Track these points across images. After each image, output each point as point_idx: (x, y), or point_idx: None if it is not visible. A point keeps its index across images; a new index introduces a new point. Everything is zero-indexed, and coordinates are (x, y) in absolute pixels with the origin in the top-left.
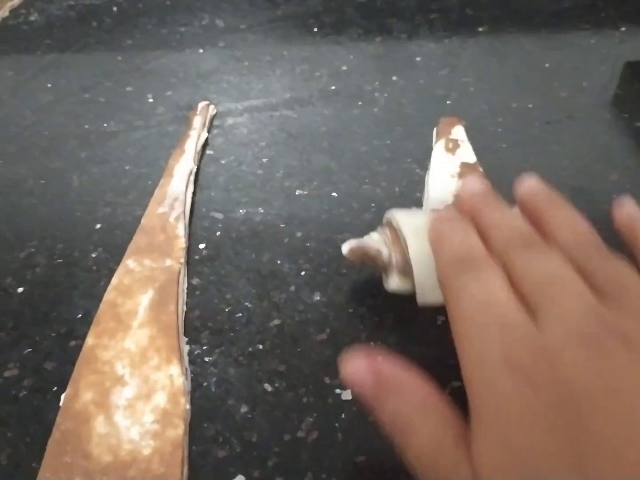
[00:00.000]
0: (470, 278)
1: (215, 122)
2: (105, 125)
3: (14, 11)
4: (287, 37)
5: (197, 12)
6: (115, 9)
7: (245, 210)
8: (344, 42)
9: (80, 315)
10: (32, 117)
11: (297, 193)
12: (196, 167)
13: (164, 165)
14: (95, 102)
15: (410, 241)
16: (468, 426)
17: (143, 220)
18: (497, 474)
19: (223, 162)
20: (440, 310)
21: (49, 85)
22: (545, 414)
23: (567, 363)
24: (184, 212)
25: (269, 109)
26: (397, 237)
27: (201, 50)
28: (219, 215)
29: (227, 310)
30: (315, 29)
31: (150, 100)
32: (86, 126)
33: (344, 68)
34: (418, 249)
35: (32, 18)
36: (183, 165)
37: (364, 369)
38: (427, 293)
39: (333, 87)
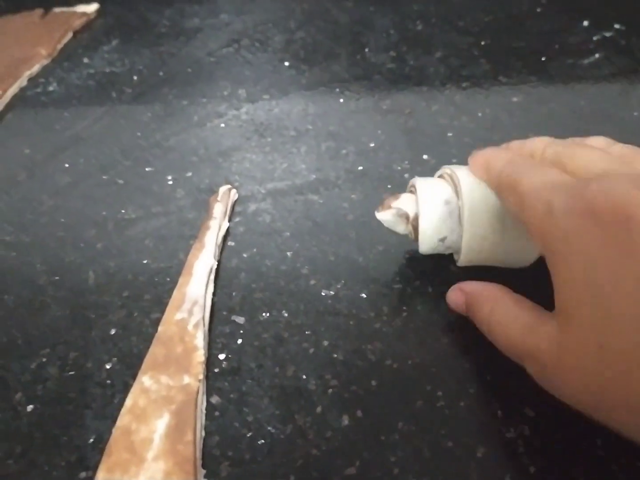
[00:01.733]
0: (525, 168)
1: (237, 208)
2: (123, 211)
3: (32, 80)
4: (312, 108)
5: (220, 80)
6: (135, 77)
7: (268, 314)
8: (372, 115)
9: (92, 439)
10: (49, 202)
11: (323, 294)
12: (216, 262)
13: (183, 258)
14: (113, 184)
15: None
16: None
17: (160, 328)
18: (582, 311)
19: (245, 255)
20: (479, 444)
21: (67, 165)
22: (609, 240)
23: (620, 195)
24: (203, 318)
25: (294, 193)
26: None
27: (223, 125)
28: (240, 320)
29: (248, 435)
30: (342, 100)
31: (170, 182)
32: (104, 212)
33: (372, 145)
34: (470, 199)
35: (51, 88)
36: (203, 262)
37: (455, 292)
38: (478, 247)
39: (360, 168)
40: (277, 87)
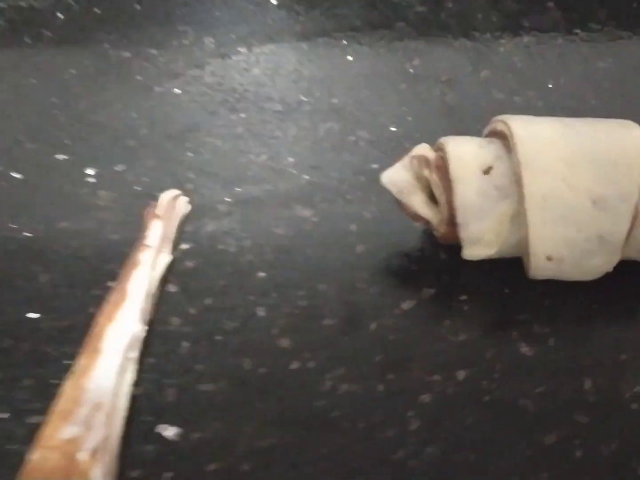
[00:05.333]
0: None
1: (188, 228)
2: (12, 226)
3: None
4: (309, 69)
5: (177, 23)
6: (60, 16)
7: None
8: (394, 82)
9: None
10: None
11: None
12: (145, 329)
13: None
14: (4, 179)
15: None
16: None
17: (33, 457)
18: None
19: (192, 311)
20: None
21: None
22: None
23: None
24: (108, 437)
25: (276, 203)
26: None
27: (178, 90)
28: (171, 433)
29: None
30: (350, 57)
31: (91, 179)
32: None
33: (393, 129)
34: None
35: None
36: (118, 333)
37: None
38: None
39: (376, 165)
40: (259, 35)
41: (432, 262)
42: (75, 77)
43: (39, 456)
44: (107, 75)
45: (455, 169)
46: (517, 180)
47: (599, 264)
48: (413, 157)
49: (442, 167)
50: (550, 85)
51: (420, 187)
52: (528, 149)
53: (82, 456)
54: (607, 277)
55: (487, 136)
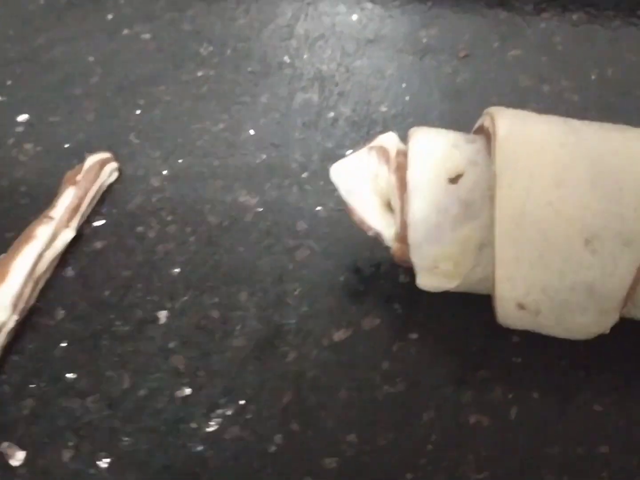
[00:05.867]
0: None
1: (111, 198)
2: None
3: None
4: (303, 26)
5: None
6: None
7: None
8: (399, 52)
9: None
10: None
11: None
12: (14, 319)
13: None
14: None
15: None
16: None
17: None
18: None
19: (86, 303)
20: None
21: None
22: None
23: None
24: None
25: (218, 186)
26: None
27: (147, 35)
28: (17, 458)
29: None
30: (355, 17)
31: (20, 127)
32: None
33: (383, 108)
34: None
35: None
36: None
37: None
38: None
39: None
40: None
41: (386, 283)
42: (40, 9)
43: None
44: (75, 10)
45: (415, 172)
46: (491, 197)
47: (587, 323)
48: (372, 148)
49: (403, 167)
50: (593, 77)
51: (376, 189)
52: (510, 156)
53: None
54: (601, 338)
55: (475, 132)
